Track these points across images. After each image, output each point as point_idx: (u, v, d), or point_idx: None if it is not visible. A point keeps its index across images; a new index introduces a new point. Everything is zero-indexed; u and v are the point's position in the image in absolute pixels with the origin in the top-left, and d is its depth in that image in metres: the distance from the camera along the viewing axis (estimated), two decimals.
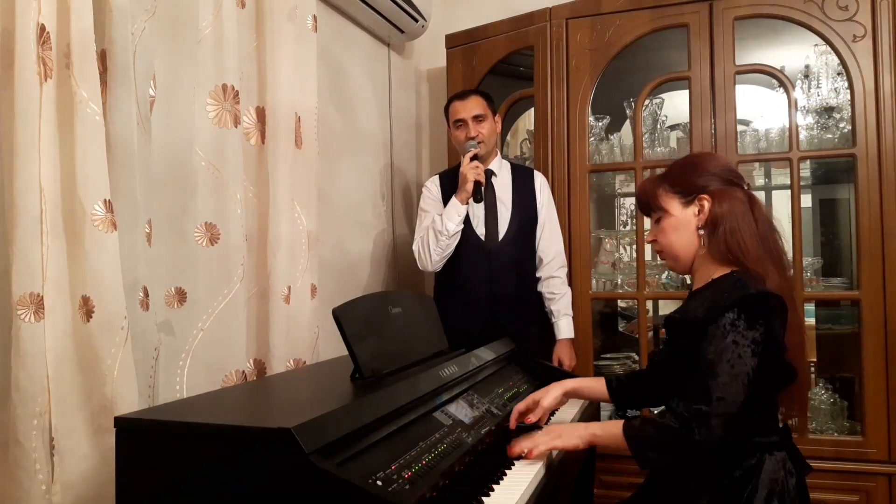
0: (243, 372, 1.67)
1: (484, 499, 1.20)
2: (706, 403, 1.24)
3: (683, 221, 1.44)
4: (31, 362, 1.20)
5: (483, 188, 2.32)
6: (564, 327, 2.42)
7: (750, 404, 1.28)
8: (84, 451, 1.28)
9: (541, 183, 2.48)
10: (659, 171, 1.80)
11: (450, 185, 2.41)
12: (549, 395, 1.59)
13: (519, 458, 1.40)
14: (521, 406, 1.61)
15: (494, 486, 1.26)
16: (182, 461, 1.11)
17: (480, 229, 2.40)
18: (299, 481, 1.01)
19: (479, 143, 2.37)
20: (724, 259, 1.39)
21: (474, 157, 2.33)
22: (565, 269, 2.47)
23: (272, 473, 1.03)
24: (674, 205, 1.45)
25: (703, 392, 1.26)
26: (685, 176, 1.45)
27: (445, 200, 2.39)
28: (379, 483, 1.07)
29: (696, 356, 1.30)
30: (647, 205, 1.50)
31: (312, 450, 1.01)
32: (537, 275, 2.46)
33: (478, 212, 2.40)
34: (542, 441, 1.40)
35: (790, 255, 2.31)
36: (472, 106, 2.40)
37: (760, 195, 2.97)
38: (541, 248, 2.44)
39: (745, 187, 1.44)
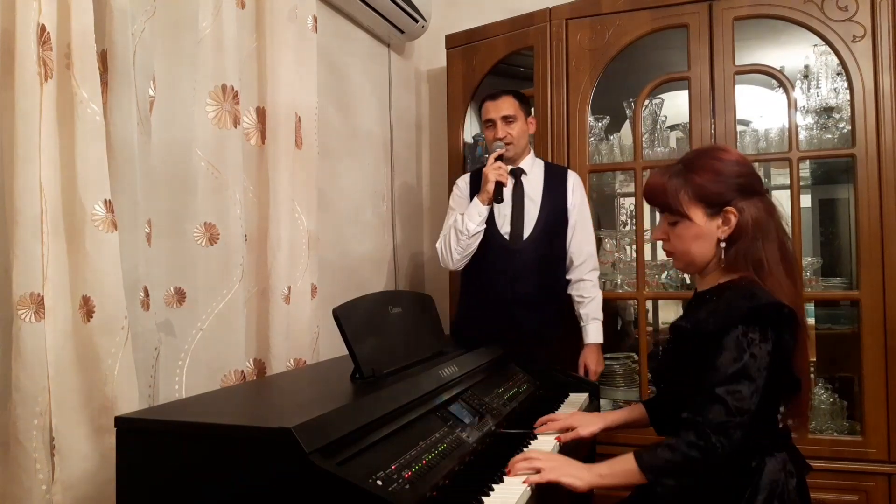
0: (243, 372, 1.68)
1: (484, 498, 1.20)
2: (727, 415, 1.24)
3: (706, 232, 1.38)
4: (32, 362, 1.20)
5: (504, 189, 2.29)
6: (593, 332, 2.39)
7: (755, 413, 1.29)
8: (84, 450, 1.28)
9: (573, 182, 2.43)
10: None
11: (478, 184, 2.37)
12: (589, 427, 1.60)
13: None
14: (556, 425, 1.62)
15: (494, 485, 1.26)
16: (182, 461, 1.11)
17: (505, 228, 2.36)
18: (299, 481, 1.01)
19: (506, 144, 2.34)
20: (739, 269, 1.36)
21: (499, 158, 2.31)
22: (597, 272, 2.43)
23: (272, 473, 1.03)
24: (698, 214, 1.38)
25: (722, 405, 1.25)
26: (710, 187, 1.36)
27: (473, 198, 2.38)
28: (379, 483, 1.07)
29: (709, 367, 1.29)
30: (666, 205, 1.42)
31: (312, 449, 1.01)
32: (567, 277, 2.41)
33: (504, 210, 2.36)
34: (547, 468, 1.31)
35: None
36: (503, 106, 2.36)
37: None
38: (572, 250, 2.40)
39: (765, 192, 1.40)
